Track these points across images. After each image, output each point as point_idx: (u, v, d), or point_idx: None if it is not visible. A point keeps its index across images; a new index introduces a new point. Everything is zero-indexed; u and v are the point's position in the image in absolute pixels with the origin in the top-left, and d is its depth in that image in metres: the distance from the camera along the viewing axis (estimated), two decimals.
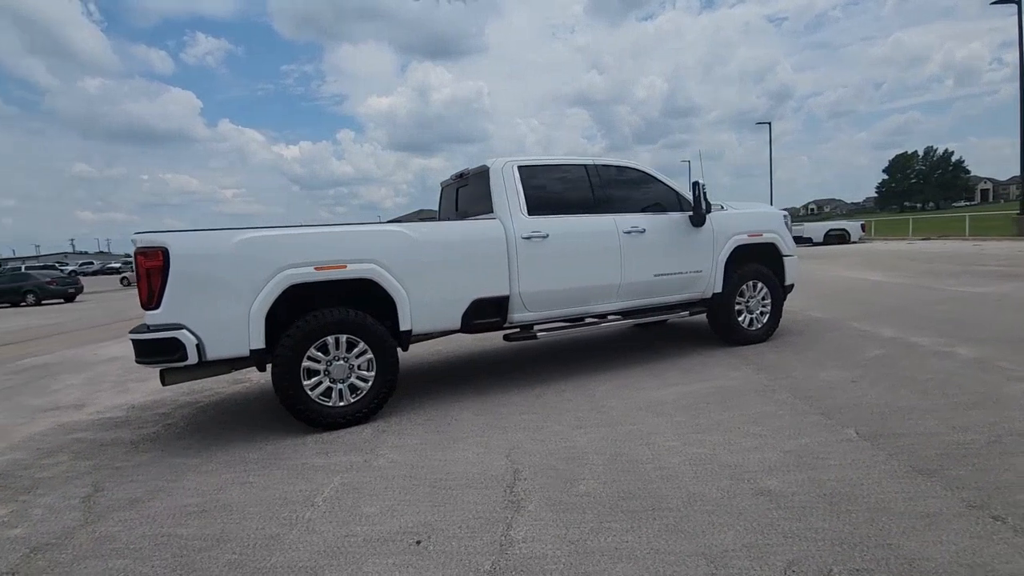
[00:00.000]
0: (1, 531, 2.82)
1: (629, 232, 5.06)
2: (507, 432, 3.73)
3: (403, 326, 4.20)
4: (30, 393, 6.01)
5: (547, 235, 4.71)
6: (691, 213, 5.34)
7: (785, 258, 5.96)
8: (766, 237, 5.83)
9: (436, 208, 6.24)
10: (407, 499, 2.85)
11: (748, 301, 5.76)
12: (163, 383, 3.80)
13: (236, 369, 4.04)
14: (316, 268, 3.92)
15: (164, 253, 3.58)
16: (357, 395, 4.09)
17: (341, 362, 4.03)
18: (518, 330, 4.77)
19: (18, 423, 4.87)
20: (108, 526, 2.79)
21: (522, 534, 2.42)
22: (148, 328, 3.61)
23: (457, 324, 4.46)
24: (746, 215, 5.85)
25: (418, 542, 2.42)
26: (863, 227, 25.99)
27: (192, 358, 3.63)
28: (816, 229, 25.37)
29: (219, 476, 3.34)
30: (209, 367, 3.80)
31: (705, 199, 5.24)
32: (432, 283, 4.30)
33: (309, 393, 3.93)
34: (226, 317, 3.70)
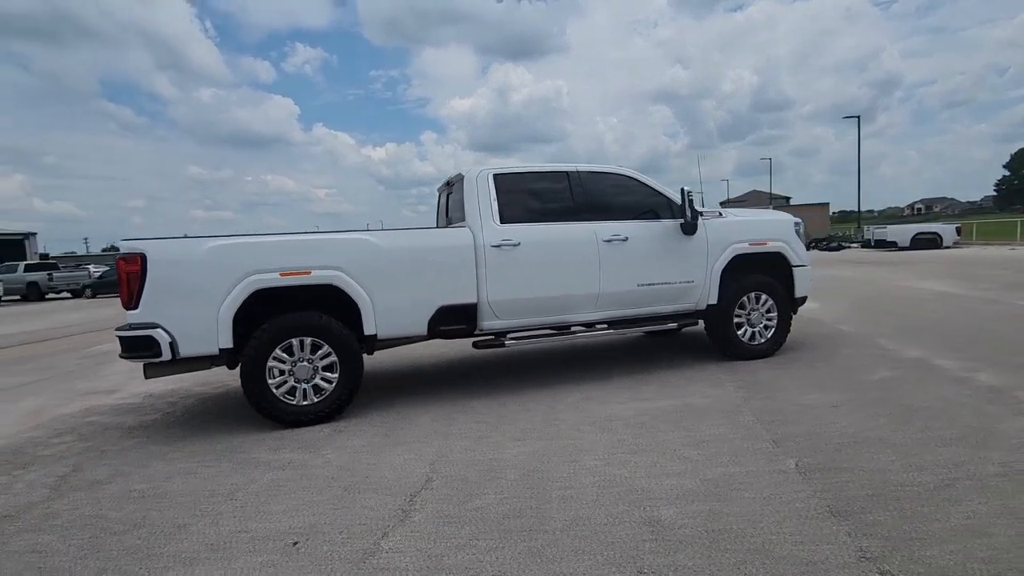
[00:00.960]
0: None
1: (610, 240, 4.92)
2: (448, 439, 3.77)
3: (367, 331, 4.35)
4: (84, 378, 6.77)
5: (518, 243, 4.69)
6: (682, 221, 5.11)
7: (795, 269, 5.55)
8: (772, 246, 5.46)
9: None
10: (315, 500, 2.97)
11: (749, 314, 5.43)
12: (145, 376, 4.17)
13: (215, 365, 4.35)
14: (281, 274, 4.14)
15: (142, 259, 3.93)
16: (321, 395, 4.28)
17: (305, 363, 4.23)
18: (492, 337, 4.79)
19: (57, 404, 5.50)
20: (61, 504, 3.13)
21: (392, 544, 2.47)
22: (129, 327, 3.99)
23: (423, 330, 4.55)
24: (748, 223, 5.52)
25: (295, 543, 2.53)
26: (958, 230, 23.39)
27: (166, 355, 3.96)
28: (902, 232, 23.12)
29: (176, 465, 3.63)
30: (185, 363, 4.12)
31: (692, 207, 5.00)
32: (397, 289, 4.41)
33: (274, 392, 4.17)
34: (197, 318, 4.01)
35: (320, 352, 4.26)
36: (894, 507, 2.50)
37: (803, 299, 5.72)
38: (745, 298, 5.39)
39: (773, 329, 5.52)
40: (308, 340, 4.22)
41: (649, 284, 5.07)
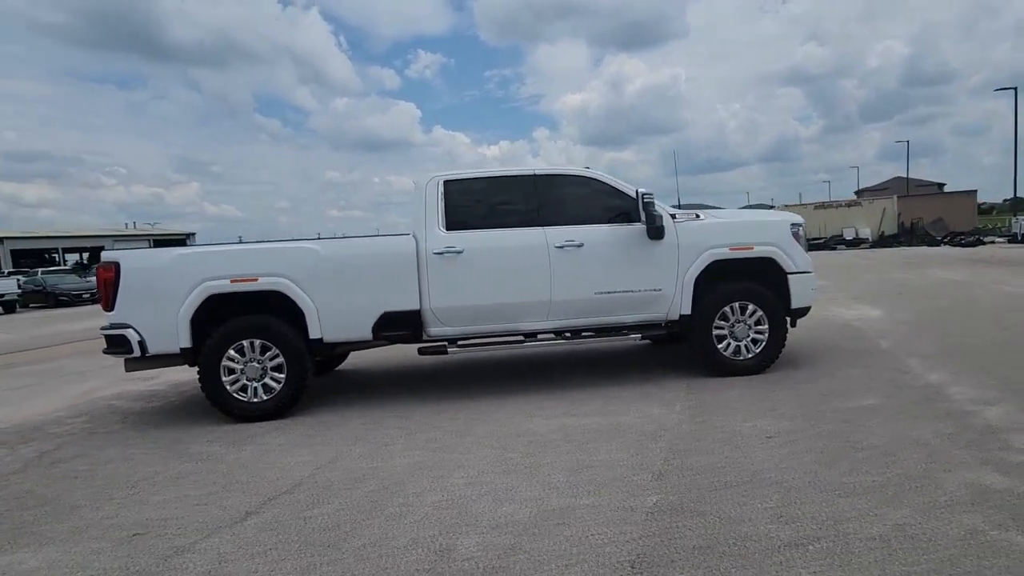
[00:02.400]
0: None
1: (562, 246, 4.71)
2: (356, 444, 3.87)
3: (312, 334, 4.57)
4: None
5: (461, 251, 4.65)
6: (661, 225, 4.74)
7: (790, 276, 4.92)
8: (759, 251, 4.89)
9: None
10: (189, 494, 3.21)
11: (733, 326, 4.91)
12: (125, 370, 4.72)
13: (187, 363, 4.81)
14: (232, 280, 4.49)
15: (116, 267, 4.46)
16: (270, 394, 4.58)
17: (255, 364, 4.55)
18: (435, 344, 4.81)
19: (100, 388, 6.40)
20: (15, 477, 3.67)
21: (205, 545, 2.60)
22: (108, 326, 4.55)
23: (368, 335, 4.67)
24: (729, 225, 4.98)
25: (135, 535, 2.77)
26: None
27: (136, 352, 4.47)
28: None
29: (126, 450, 4.09)
30: (155, 360, 4.62)
31: (649, 210, 4.61)
32: (339, 296, 4.58)
33: (228, 388, 4.53)
34: (161, 320, 4.46)
35: (269, 354, 4.56)
36: (707, 567, 2.17)
37: (803, 310, 5.06)
38: (728, 308, 4.88)
39: (763, 343, 4.94)
40: (257, 342, 4.53)
41: (608, 292, 4.78)
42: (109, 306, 4.50)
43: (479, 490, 2.99)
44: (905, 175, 45.06)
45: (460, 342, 4.85)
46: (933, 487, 2.67)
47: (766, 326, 4.92)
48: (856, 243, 29.03)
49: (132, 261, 4.51)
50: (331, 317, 4.58)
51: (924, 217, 30.06)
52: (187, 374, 6.60)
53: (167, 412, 5.15)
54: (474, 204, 4.86)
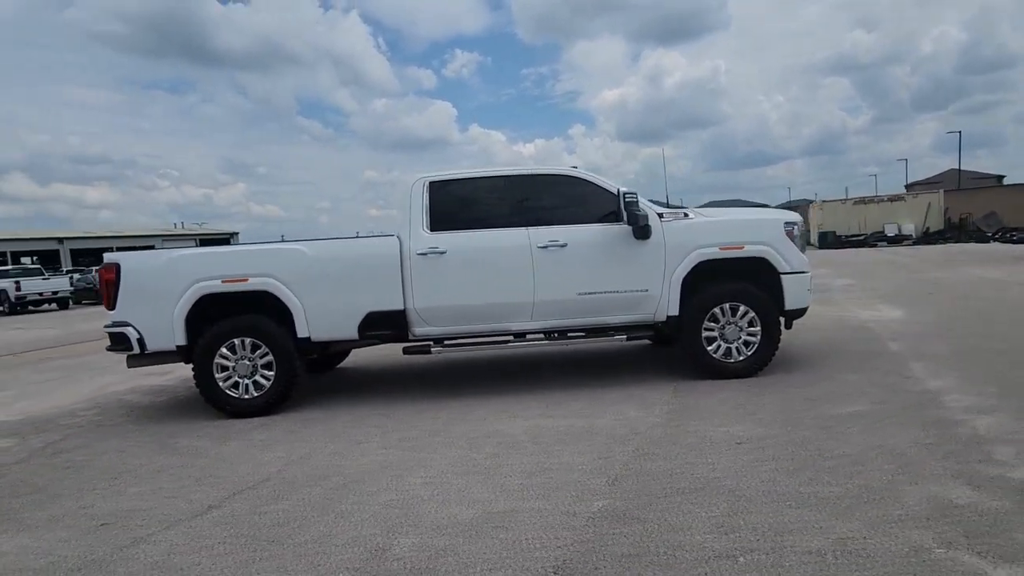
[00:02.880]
0: None
1: (546, 247, 4.69)
2: (332, 442, 3.95)
3: (300, 333, 4.68)
4: None
5: (444, 251, 4.68)
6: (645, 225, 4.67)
7: (784, 276, 4.77)
8: (750, 250, 4.75)
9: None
10: (164, 487, 3.34)
11: (723, 328, 4.78)
12: (128, 366, 4.94)
13: (184, 360, 5.00)
14: (223, 281, 4.64)
15: (117, 268, 4.68)
16: (260, 390, 4.73)
17: (246, 361, 4.70)
18: (419, 344, 4.86)
19: (117, 382, 6.71)
20: (18, 467, 3.89)
21: (162, 537, 2.71)
22: (111, 324, 4.78)
23: (354, 334, 4.76)
24: (719, 224, 4.85)
25: (103, 524, 2.91)
26: None
27: (135, 349, 4.68)
28: None
29: (122, 443, 4.29)
30: (155, 356, 4.81)
31: (631, 210, 4.53)
32: (325, 296, 4.68)
33: (220, 385, 4.69)
34: (158, 319, 4.66)
35: (259, 352, 4.70)
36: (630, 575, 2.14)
37: (799, 311, 4.89)
38: (718, 309, 4.77)
39: (755, 346, 4.80)
40: (248, 340, 4.68)
41: (592, 293, 4.74)
42: (111, 305, 4.72)
43: (433, 491, 3.02)
44: (967, 167, 42.74)
45: (447, 342, 4.89)
46: (892, 500, 2.55)
47: (758, 328, 4.78)
48: (898, 240, 27.77)
49: (131, 263, 4.72)
50: (318, 316, 4.69)
51: (973, 212, 28.49)
52: None
53: (171, 407, 5.37)
54: (459, 205, 4.89)
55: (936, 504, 2.48)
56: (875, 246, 26.86)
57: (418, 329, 4.81)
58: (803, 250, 5.04)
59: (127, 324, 4.68)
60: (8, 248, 38.75)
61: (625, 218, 4.54)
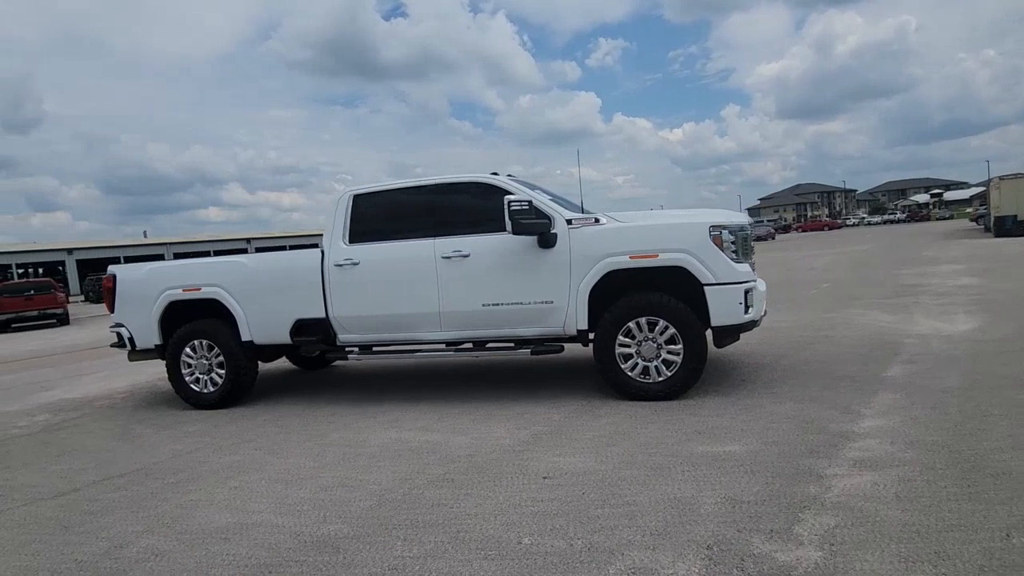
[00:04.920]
0: None
1: (449, 257, 4.64)
2: (218, 440, 4.35)
3: (244, 337, 5.20)
4: None
5: (358, 262, 4.86)
6: (540, 234, 4.43)
7: (707, 288, 4.16)
8: (665, 259, 4.22)
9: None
10: (69, 467, 3.99)
11: (640, 344, 4.33)
12: (128, 359, 5.86)
13: (161, 357, 5.76)
14: (184, 290, 5.32)
15: (114, 278, 5.60)
16: (215, 386, 5.34)
17: (204, 360, 5.35)
18: (340, 350, 5.10)
19: (143, 379, 7.92)
20: (12, 440, 4.91)
21: (3, 509, 3.30)
22: (112, 325, 5.73)
23: (287, 339, 5.15)
24: (631, 230, 4.36)
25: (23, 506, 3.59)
26: None
27: (129, 346, 5.58)
28: None
29: (107, 424, 5.15)
30: (144, 353, 5.66)
31: (516, 218, 4.24)
32: (262, 304, 5.13)
33: (186, 380, 5.41)
34: (141, 321, 5.49)
35: (213, 352, 5.32)
36: None
37: (733, 328, 4.23)
38: (633, 324, 4.32)
39: (678, 365, 4.27)
40: (204, 342, 5.32)
41: (497, 304, 4.58)
42: (111, 309, 5.67)
43: (229, 495, 3.24)
44: None
45: (376, 350, 5.08)
46: (588, 564, 2.20)
47: (680, 346, 4.25)
48: None
49: (123, 274, 5.62)
50: (257, 322, 5.16)
51: None
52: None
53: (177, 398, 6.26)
54: (377, 217, 5.02)
55: (629, 572, 2.10)
56: None
57: (341, 336, 5.06)
58: (746, 256, 4.36)
59: (122, 325, 5.59)
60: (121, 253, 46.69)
61: (509, 227, 4.30)
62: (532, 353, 4.59)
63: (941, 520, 2.31)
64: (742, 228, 4.40)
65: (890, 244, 23.50)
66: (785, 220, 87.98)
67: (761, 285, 4.56)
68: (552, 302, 4.47)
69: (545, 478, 3.10)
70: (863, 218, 78.30)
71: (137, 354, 5.67)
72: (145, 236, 60.96)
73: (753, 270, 4.48)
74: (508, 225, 4.28)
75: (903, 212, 73.82)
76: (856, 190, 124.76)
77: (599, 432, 3.74)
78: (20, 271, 47.28)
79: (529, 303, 4.52)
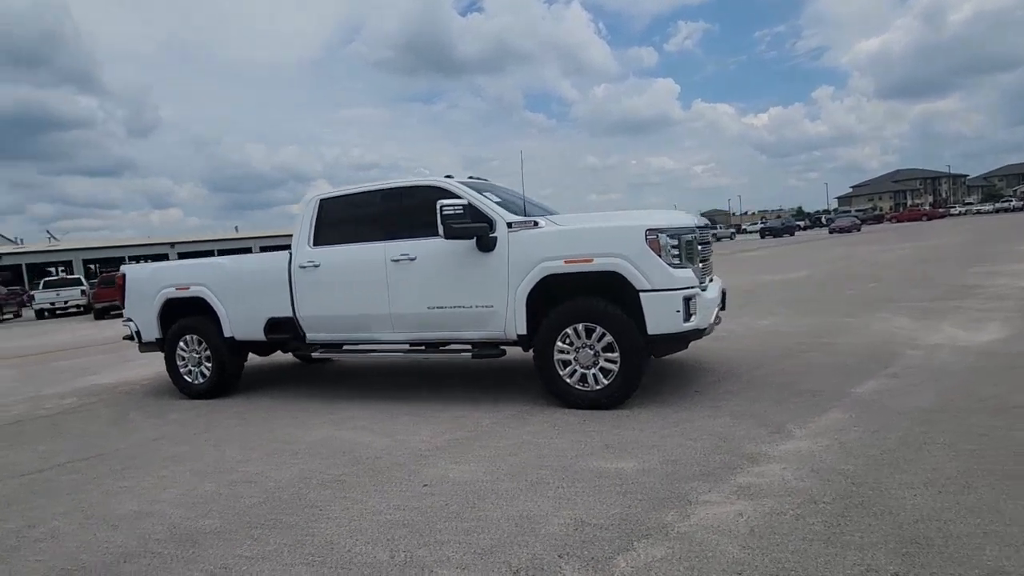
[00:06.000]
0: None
1: (397, 260, 4.71)
2: (168, 431, 4.69)
3: (226, 333, 5.56)
4: None
5: (319, 265, 5.05)
6: (476, 237, 4.40)
7: (643, 295, 3.97)
8: (600, 264, 4.06)
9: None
10: (47, 448, 4.46)
11: (577, 351, 4.21)
12: (139, 351, 6.42)
13: (162, 350, 6.24)
14: (176, 288, 5.76)
15: (124, 276, 6.16)
16: (204, 378, 5.76)
17: (194, 354, 5.77)
18: (320, 349, 5.31)
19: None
20: (22, 424, 5.53)
21: None
22: (125, 320, 6.30)
23: (262, 336, 5.45)
24: (566, 233, 4.22)
25: None
26: None
27: (137, 340, 6.13)
28: None
29: (110, 411, 5.70)
30: (149, 345, 6.19)
31: (448, 222, 4.21)
32: (239, 303, 5.46)
33: (180, 371, 5.86)
34: (144, 316, 6.01)
35: (202, 346, 5.73)
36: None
37: (672, 338, 4.00)
38: (571, 330, 4.21)
39: (615, 373, 4.12)
40: (194, 337, 5.74)
41: (441, 307, 4.60)
42: (122, 305, 6.24)
43: (145, 485, 3.49)
44: None
45: (343, 350, 5.26)
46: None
47: (617, 353, 4.09)
48: None
49: (131, 273, 6.16)
50: (236, 320, 5.50)
51: None
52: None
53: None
54: (340, 220, 5.17)
55: None
56: None
57: (309, 335, 5.28)
58: (691, 261, 4.11)
59: (131, 320, 6.14)
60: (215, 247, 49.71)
61: (441, 231, 4.29)
62: (472, 357, 4.58)
63: (775, 562, 2.11)
64: (689, 231, 4.15)
65: (984, 237, 21.07)
66: (879, 209, 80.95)
67: (711, 292, 4.29)
68: (492, 306, 4.43)
69: (425, 486, 3.11)
70: (970, 206, 70.54)
71: (145, 346, 6.21)
72: (236, 231, 65.98)
73: (700, 275, 4.21)
74: (440, 229, 4.28)
75: (1021, 199, 65.75)
76: (967, 175, 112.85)
77: (513, 441, 3.69)
78: (132, 263, 52.83)
79: (471, 307, 4.51)
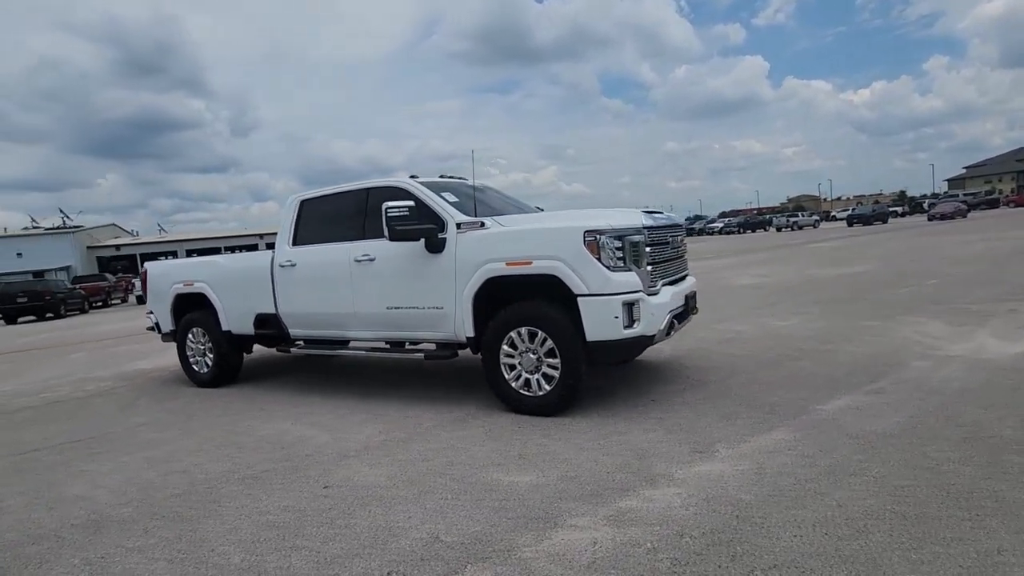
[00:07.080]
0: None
1: (360, 260, 4.80)
2: (143, 421, 5.05)
3: (224, 327, 5.92)
4: None
5: (295, 264, 5.24)
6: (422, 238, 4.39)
7: (580, 299, 3.79)
8: (538, 266, 3.92)
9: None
10: (51, 430, 4.95)
11: (521, 355, 4.11)
12: (162, 341, 6.97)
13: (175, 341, 6.72)
14: (184, 284, 6.19)
15: (146, 272, 6.70)
16: (208, 369, 6.17)
17: (200, 345, 6.19)
18: (301, 344, 5.53)
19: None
20: (34, 410, 6.16)
21: None
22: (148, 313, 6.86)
23: (251, 330, 5.75)
24: (509, 235, 4.09)
25: None
26: None
27: (157, 331, 6.67)
28: None
29: (121, 398, 6.25)
30: (168, 336, 6.70)
31: (390, 225, 4.18)
32: (233, 299, 5.79)
33: (188, 361, 6.31)
34: (161, 309, 6.52)
35: (206, 338, 6.13)
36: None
37: (610, 344, 3.80)
38: (515, 334, 4.11)
39: (556, 379, 3.98)
40: (199, 329, 6.16)
41: (398, 308, 4.64)
42: (145, 298, 6.80)
43: (101, 471, 3.79)
44: None
45: (317, 346, 5.46)
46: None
47: (558, 359, 3.95)
48: None
49: (152, 269, 6.69)
50: (230, 314, 5.84)
51: None
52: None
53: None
54: (316, 221, 5.33)
55: None
56: None
57: (291, 330, 5.51)
58: (637, 264, 3.87)
59: (151, 313, 6.69)
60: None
61: (386, 233, 4.29)
62: (425, 358, 4.60)
63: None
64: (635, 231, 3.90)
65: None
66: (996, 192, 72.22)
67: (662, 296, 4.02)
68: (442, 308, 4.41)
69: (325, 488, 3.17)
70: None
71: (164, 336, 6.74)
72: None
73: (649, 279, 3.95)
74: (385, 231, 4.29)
75: None
76: None
77: (436, 445, 3.67)
78: (228, 252, 57.48)
79: (424, 308, 4.51)
